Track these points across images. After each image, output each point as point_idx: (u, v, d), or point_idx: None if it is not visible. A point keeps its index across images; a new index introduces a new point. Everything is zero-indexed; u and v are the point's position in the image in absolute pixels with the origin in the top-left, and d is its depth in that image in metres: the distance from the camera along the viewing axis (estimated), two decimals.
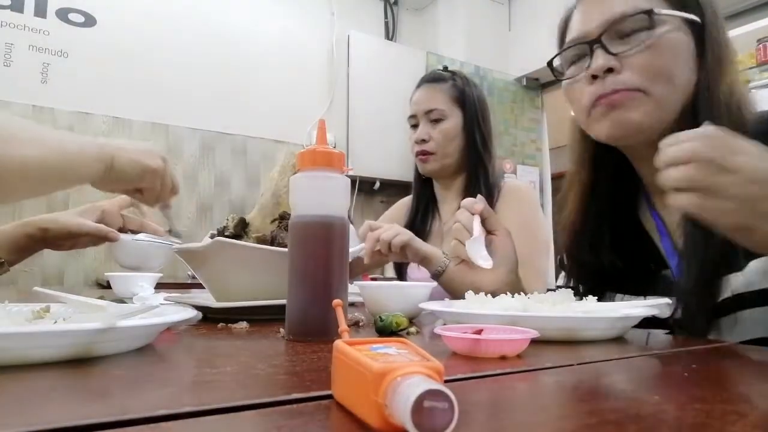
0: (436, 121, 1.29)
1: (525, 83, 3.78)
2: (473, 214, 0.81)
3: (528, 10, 3.69)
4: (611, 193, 0.78)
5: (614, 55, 0.67)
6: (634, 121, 0.67)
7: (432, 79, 1.35)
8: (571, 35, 0.73)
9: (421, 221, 1.36)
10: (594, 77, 0.68)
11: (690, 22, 0.67)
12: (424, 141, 1.29)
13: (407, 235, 0.95)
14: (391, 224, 0.98)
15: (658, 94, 0.66)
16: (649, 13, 0.65)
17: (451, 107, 1.30)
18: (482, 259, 0.77)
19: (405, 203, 1.48)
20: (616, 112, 0.68)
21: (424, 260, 0.98)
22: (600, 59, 0.67)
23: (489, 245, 0.84)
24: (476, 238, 0.79)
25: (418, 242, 0.96)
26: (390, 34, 3.71)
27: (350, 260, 0.63)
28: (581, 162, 0.80)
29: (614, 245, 0.77)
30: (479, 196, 0.85)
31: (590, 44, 0.69)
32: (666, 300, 0.62)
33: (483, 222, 0.82)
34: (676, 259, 0.69)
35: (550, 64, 0.76)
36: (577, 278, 0.82)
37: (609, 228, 0.77)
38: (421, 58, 3.44)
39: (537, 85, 3.84)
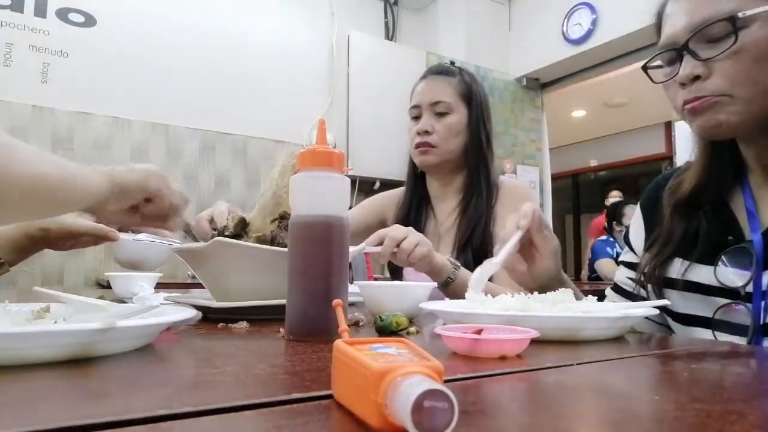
0: (441, 114, 1.25)
1: (525, 83, 3.78)
2: (518, 228, 0.77)
3: (528, 10, 3.69)
4: (718, 167, 0.78)
5: (702, 60, 0.67)
6: (719, 123, 0.68)
7: (440, 71, 1.31)
8: (665, 33, 0.73)
9: (415, 220, 1.31)
10: (683, 84, 0.69)
11: None
12: (426, 132, 1.24)
13: (427, 246, 0.93)
14: (408, 228, 0.95)
15: (744, 96, 0.66)
16: (731, 19, 0.65)
17: (458, 102, 1.26)
18: (473, 289, 0.69)
19: (392, 197, 1.41)
20: (700, 117, 0.69)
21: (432, 270, 0.96)
22: (686, 68, 0.68)
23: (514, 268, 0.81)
24: (488, 264, 0.73)
25: (433, 253, 0.95)
26: (390, 34, 3.71)
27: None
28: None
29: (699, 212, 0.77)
30: (537, 210, 0.79)
31: (678, 51, 0.70)
32: (665, 301, 0.62)
33: (530, 237, 0.78)
34: (759, 235, 0.71)
35: (644, 68, 0.77)
36: (663, 239, 0.80)
37: (705, 197, 0.78)
38: (421, 58, 3.44)
39: (537, 85, 3.85)
